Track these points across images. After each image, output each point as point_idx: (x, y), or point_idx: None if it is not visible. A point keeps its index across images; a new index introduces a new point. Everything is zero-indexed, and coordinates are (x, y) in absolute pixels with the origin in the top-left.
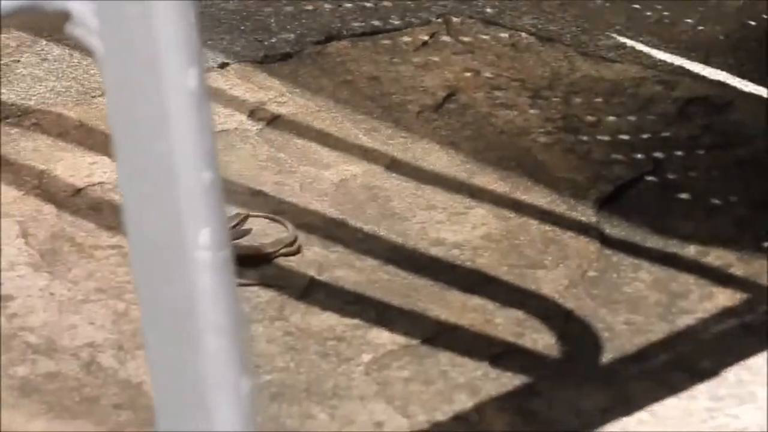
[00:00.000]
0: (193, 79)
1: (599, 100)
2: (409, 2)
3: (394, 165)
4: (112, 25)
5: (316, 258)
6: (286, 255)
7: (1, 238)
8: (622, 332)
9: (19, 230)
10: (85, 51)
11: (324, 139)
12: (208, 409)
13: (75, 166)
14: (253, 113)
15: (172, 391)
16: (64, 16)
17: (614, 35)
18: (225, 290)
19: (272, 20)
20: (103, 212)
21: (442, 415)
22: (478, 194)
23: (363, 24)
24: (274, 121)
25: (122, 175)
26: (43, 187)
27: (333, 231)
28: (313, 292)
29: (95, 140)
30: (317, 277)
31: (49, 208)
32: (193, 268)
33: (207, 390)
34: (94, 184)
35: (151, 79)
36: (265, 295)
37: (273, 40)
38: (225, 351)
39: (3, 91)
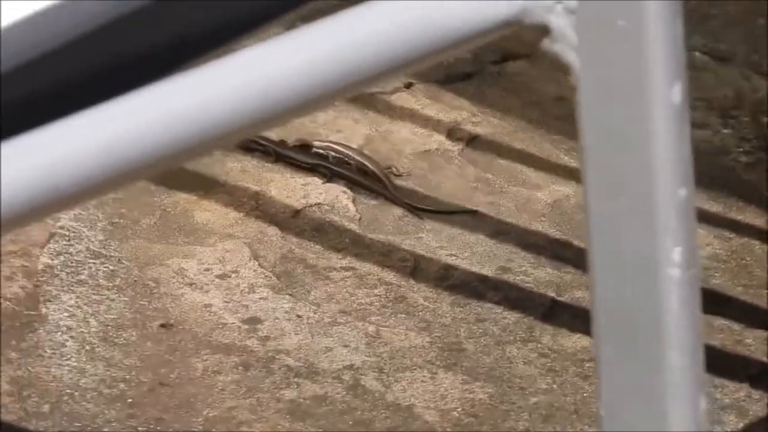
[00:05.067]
0: (677, 95)
1: None
2: None
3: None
4: (593, 40)
5: (551, 279)
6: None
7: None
8: None
9: (249, 252)
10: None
11: (527, 159)
12: (667, 425)
13: (288, 187)
14: (451, 133)
15: (625, 406)
16: (542, 32)
17: None
18: (691, 309)
19: None
20: (327, 233)
21: None
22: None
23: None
24: (473, 141)
25: (591, 187)
26: (261, 209)
27: (560, 251)
28: (557, 313)
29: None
30: (558, 298)
31: (272, 230)
32: (663, 285)
33: (666, 407)
34: (311, 205)
35: (635, 94)
36: (510, 316)
37: (451, 60)
38: (686, 369)
39: None
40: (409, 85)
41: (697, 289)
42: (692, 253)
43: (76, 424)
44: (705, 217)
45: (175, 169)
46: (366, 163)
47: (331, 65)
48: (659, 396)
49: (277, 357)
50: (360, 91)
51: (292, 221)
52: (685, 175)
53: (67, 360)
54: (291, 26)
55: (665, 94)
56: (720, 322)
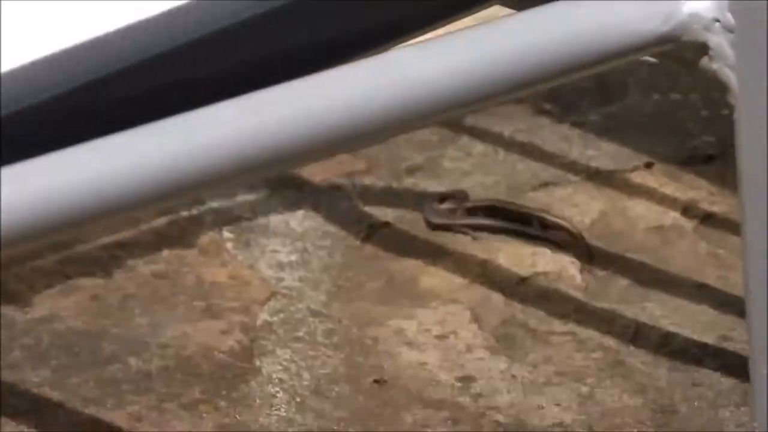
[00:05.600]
0: None
1: None
2: None
3: None
4: (751, 58)
5: None
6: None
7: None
8: None
9: (471, 316)
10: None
11: None
12: None
13: (516, 256)
14: (686, 210)
15: None
16: (701, 50)
17: None
18: None
19: (690, 124)
20: (551, 300)
21: None
22: None
23: None
24: (708, 218)
25: (748, 209)
26: (488, 276)
27: None
28: None
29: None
30: None
31: (496, 296)
32: None
33: None
34: (538, 274)
35: None
36: (727, 381)
37: (695, 142)
38: None
39: (432, 183)
40: (649, 165)
41: None
42: None
43: None
44: None
45: (406, 238)
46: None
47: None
48: None
49: (487, 413)
50: (519, 96)
51: (517, 288)
52: None
53: (276, 410)
54: None
55: None
56: None
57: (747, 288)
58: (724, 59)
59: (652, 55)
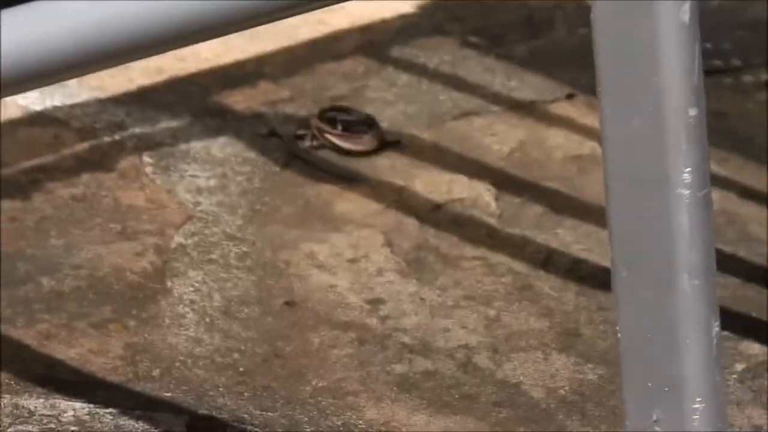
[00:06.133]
0: (686, 14)
1: None
2: (749, 45)
3: (747, 193)
4: None
5: None
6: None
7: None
8: None
9: (384, 240)
10: (435, 78)
11: None
12: (677, 348)
13: (433, 183)
14: None
15: (639, 328)
16: None
17: None
18: (703, 231)
19: None
20: (465, 226)
21: None
22: None
23: (704, 63)
24: None
25: (604, 108)
26: (404, 202)
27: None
28: None
29: (450, 160)
30: None
31: (410, 221)
32: (674, 207)
33: (678, 329)
34: (454, 200)
35: (644, 14)
36: None
37: None
38: (699, 291)
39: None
40: (570, 96)
41: (709, 211)
42: (703, 174)
43: (183, 388)
44: None
45: (322, 163)
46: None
47: None
48: (671, 319)
49: (393, 335)
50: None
51: (432, 214)
52: (695, 96)
53: (185, 330)
54: None
55: (674, 13)
56: None
57: (607, 208)
58: None
59: None
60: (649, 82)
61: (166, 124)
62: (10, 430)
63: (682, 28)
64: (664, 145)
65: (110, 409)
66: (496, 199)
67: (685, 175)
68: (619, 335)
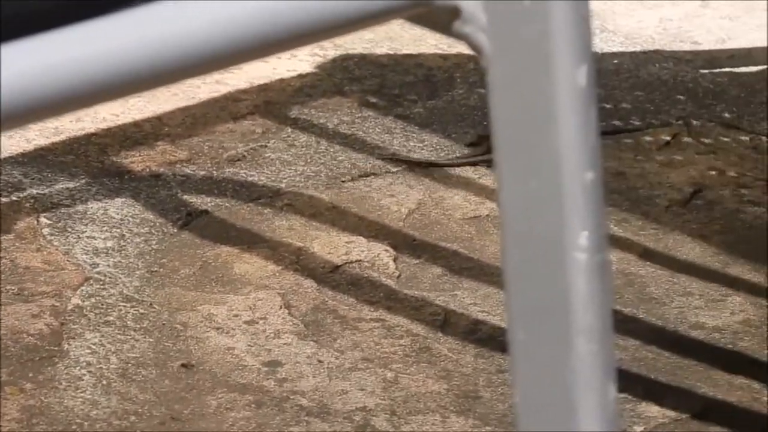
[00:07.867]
0: (582, 77)
1: None
2: (648, 105)
3: (647, 254)
4: (501, 22)
5: None
6: None
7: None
8: None
9: (282, 301)
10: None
11: None
12: (574, 410)
13: (331, 245)
14: None
15: (536, 391)
16: (452, 14)
17: None
18: (600, 294)
19: None
20: (363, 288)
21: None
22: (733, 283)
23: (604, 124)
24: None
25: (501, 170)
26: (302, 263)
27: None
28: None
29: (348, 221)
30: None
31: (308, 283)
32: (570, 270)
33: (575, 391)
34: (352, 262)
35: (541, 76)
36: None
37: None
38: (595, 355)
39: (253, 173)
40: (468, 156)
41: (607, 273)
42: (600, 237)
43: None
44: (743, 287)
45: (223, 226)
46: None
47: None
48: (567, 381)
49: (291, 397)
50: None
51: (330, 276)
52: (591, 159)
53: (81, 392)
54: None
55: (571, 76)
56: (740, 380)
57: (505, 270)
58: (477, 23)
59: (405, 18)
60: (546, 145)
61: (64, 184)
62: None
63: (578, 91)
64: (561, 207)
65: None
66: (395, 260)
67: (582, 238)
68: (516, 398)
